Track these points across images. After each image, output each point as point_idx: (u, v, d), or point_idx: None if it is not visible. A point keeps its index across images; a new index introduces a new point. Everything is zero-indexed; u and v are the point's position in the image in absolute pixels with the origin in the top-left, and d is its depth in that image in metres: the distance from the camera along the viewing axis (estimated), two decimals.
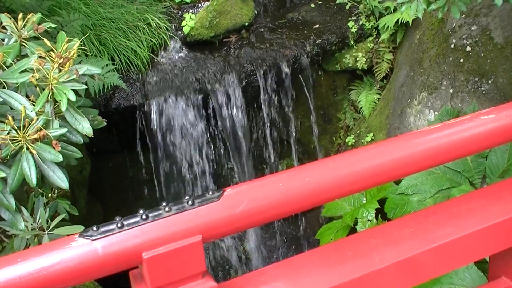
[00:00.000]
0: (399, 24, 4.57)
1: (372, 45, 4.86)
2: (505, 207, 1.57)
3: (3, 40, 2.13)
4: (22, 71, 1.92)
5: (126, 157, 4.69)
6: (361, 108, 4.93)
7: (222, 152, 4.74)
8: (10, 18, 2.11)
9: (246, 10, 4.72)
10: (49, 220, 2.08)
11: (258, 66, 4.48)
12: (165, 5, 4.67)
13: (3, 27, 2.14)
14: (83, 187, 4.21)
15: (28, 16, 2.12)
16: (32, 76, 1.89)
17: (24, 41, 2.08)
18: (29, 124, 1.87)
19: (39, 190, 2.25)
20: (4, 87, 1.93)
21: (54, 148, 1.87)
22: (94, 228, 1.16)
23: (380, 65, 4.82)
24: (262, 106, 4.66)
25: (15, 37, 2.08)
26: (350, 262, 1.43)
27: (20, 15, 2.10)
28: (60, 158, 1.87)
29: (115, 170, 4.74)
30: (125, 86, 4.14)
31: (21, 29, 2.09)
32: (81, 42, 2.13)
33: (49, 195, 2.38)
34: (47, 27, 2.13)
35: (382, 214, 3.89)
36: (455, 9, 2.62)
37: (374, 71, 4.88)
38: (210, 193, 1.24)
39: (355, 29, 4.80)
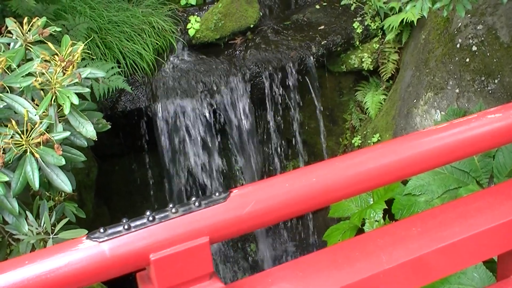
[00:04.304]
0: (404, 24, 4.56)
1: (377, 45, 4.85)
2: None
3: (8, 44, 2.14)
4: (25, 75, 1.93)
5: (133, 160, 4.70)
6: (367, 108, 4.92)
7: (229, 153, 4.75)
8: (16, 23, 2.12)
9: (251, 12, 4.72)
10: (56, 223, 2.09)
11: (264, 68, 4.49)
12: (170, 8, 4.68)
13: (9, 32, 2.14)
14: (90, 190, 4.22)
15: (34, 20, 2.12)
16: (35, 80, 1.90)
17: (30, 45, 2.09)
18: (32, 128, 1.88)
19: (47, 193, 2.25)
20: (8, 92, 1.94)
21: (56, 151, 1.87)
22: (101, 230, 1.16)
23: (385, 66, 4.81)
24: (268, 107, 4.66)
25: (20, 41, 2.09)
26: (357, 263, 1.42)
27: (26, 19, 2.11)
28: (62, 161, 1.87)
29: (122, 173, 4.75)
30: (130, 89, 4.15)
31: (27, 33, 2.10)
32: (86, 45, 2.13)
33: (56, 198, 2.38)
34: (52, 31, 2.13)
35: (389, 215, 3.87)
36: (460, 7, 2.61)
37: (380, 72, 4.87)
38: (217, 194, 1.24)
39: (361, 30, 4.79)
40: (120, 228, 1.16)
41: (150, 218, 1.18)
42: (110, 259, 1.14)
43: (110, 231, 1.16)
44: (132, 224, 1.17)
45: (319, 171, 1.35)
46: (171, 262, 1.18)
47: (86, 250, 1.14)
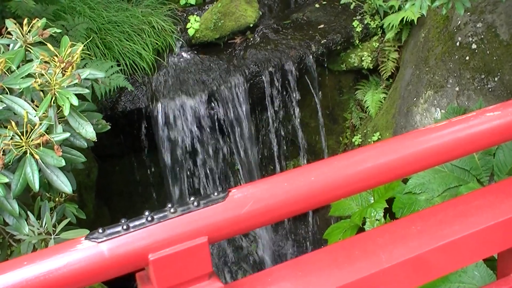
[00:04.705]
0: (404, 22, 4.55)
1: (377, 44, 4.84)
2: None
3: (8, 45, 2.14)
4: (25, 77, 1.93)
5: (133, 160, 4.70)
6: (367, 107, 4.92)
7: (229, 153, 4.74)
8: (16, 24, 2.12)
9: (250, 11, 4.72)
10: (56, 224, 2.09)
11: (263, 67, 4.48)
12: (169, 7, 4.68)
13: (9, 33, 2.15)
14: (91, 190, 4.22)
15: (33, 22, 2.12)
16: (35, 82, 1.90)
17: (29, 46, 2.09)
18: (32, 129, 1.88)
19: (47, 194, 2.25)
20: (7, 93, 1.94)
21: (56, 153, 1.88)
22: (100, 231, 1.16)
23: (385, 64, 4.81)
24: (268, 107, 4.65)
25: (20, 43, 2.09)
26: (357, 261, 1.42)
27: (25, 21, 2.11)
28: (62, 162, 1.87)
29: (122, 174, 4.75)
30: (131, 87, 4.14)
31: (26, 34, 2.10)
32: (85, 46, 2.13)
33: (57, 199, 2.38)
34: (52, 32, 2.13)
35: (390, 214, 3.87)
36: (459, 5, 2.60)
37: (380, 70, 4.86)
38: (216, 193, 1.24)
39: (360, 29, 4.79)
40: (119, 229, 1.16)
41: (149, 218, 1.18)
42: (109, 259, 1.14)
43: (108, 231, 1.16)
44: (131, 224, 1.17)
45: (318, 170, 1.35)
46: (170, 262, 1.18)
47: (85, 251, 1.14)
